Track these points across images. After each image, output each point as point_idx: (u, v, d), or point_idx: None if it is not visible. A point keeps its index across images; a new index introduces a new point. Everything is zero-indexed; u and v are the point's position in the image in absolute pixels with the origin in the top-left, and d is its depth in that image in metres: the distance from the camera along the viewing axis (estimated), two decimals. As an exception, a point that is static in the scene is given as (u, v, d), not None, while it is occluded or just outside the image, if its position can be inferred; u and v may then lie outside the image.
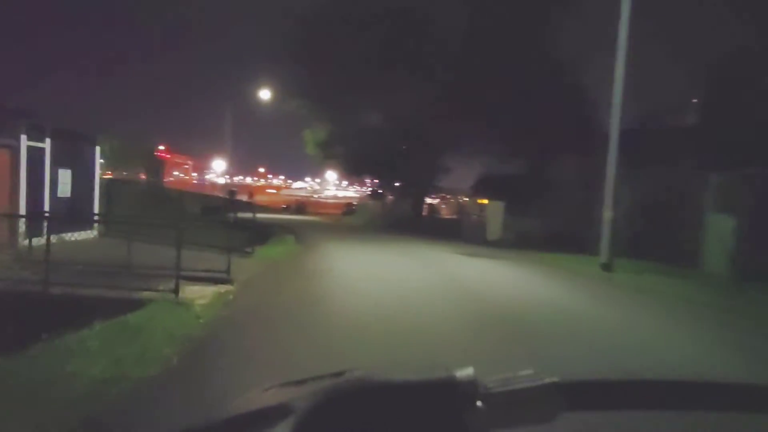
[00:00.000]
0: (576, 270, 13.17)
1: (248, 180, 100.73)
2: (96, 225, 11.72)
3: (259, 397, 0.71)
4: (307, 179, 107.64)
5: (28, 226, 9.14)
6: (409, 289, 9.02)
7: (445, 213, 37.18)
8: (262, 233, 19.65)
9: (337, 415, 0.60)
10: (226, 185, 39.09)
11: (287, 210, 47.07)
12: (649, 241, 16.21)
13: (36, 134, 9.99)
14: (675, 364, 5.28)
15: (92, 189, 11.59)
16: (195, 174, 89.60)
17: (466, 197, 40.51)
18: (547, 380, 0.64)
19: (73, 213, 10.97)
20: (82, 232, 10.98)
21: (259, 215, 34.14)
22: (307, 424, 0.58)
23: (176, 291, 7.06)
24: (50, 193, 10.41)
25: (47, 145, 10.33)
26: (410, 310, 7.34)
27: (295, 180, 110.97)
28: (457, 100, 26.73)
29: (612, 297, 9.92)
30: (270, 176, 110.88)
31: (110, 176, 29.95)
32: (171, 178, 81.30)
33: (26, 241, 9.25)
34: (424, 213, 34.12)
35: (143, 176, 26.54)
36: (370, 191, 40.83)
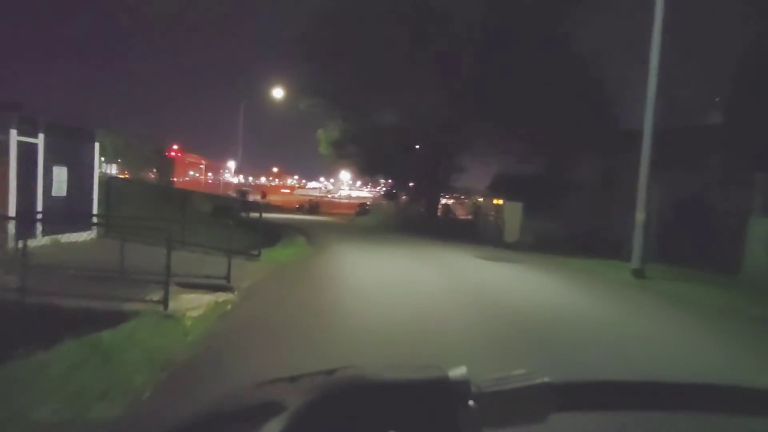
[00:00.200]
0: (605, 276, 12.16)
1: (262, 180, 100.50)
2: (95, 226, 10.99)
3: (251, 393, 0.70)
4: (321, 179, 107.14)
5: (18, 228, 8.40)
6: (428, 300, 8.13)
7: (461, 213, 36.16)
8: (273, 234, 18.90)
9: (329, 412, 0.59)
10: (237, 185, 38.47)
11: (300, 210, 46.34)
12: (680, 246, 15.14)
13: (28, 129, 9.28)
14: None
15: (91, 188, 10.87)
16: (210, 174, 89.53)
17: (480, 197, 39.48)
18: (540, 380, 0.63)
19: (69, 213, 10.25)
20: (80, 233, 10.26)
21: (272, 215, 33.59)
22: (300, 422, 0.57)
23: (165, 302, 6.24)
24: (44, 192, 9.69)
25: (40, 140, 9.61)
26: (432, 325, 6.45)
27: (309, 180, 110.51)
28: (474, 99, 25.85)
29: (648, 307, 8.92)
30: (285, 176, 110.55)
31: (125, 176, 29.59)
32: (186, 178, 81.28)
33: (17, 244, 8.50)
34: (439, 213, 33.17)
35: (151, 175, 25.99)
36: (384, 191, 39.97)
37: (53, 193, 9.90)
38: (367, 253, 14.58)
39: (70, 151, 10.36)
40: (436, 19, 25.50)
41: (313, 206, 47.91)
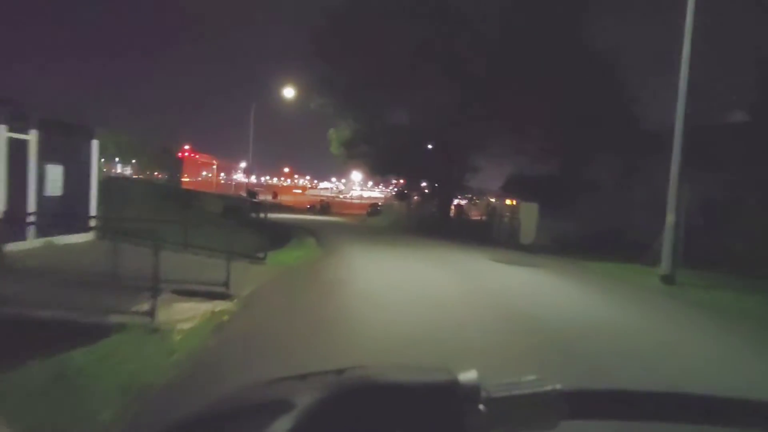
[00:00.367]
0: (631, 282, 11.32)
1: (274, 180, 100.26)
2: (92, 227, 10.40)
3: (260, 390, 0.70)
4: (333, 180, 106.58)
5: (5, 228, 7.80)
6: (444, 309, 7.38)
7: (474, 214, 35.32)
8: (282, 235, 18.26)
9: (338, 412, 0.59)
10: (248, 185, 37.98)
11: (311, 210, 45.77)
12: (707, 248, 14.24)
13: (19, 124, 8.69)
14: None
15: (88, 187, 10.26)
16: (223, 174, 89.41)
17: (493, 198, 38.60)
18: (551, 387, 0.62)
19: (64, 213, 9.65)
20: (76, 235, 9.65)
21: (283, 215, 33.05)
22: (308, 420, 0.57)
23: (152, 313, 5.56)
24: (37, 192, 9.09)
25: (32, 136, 9.01)
26: (450, 338, 5.71)
27: (320, 180, 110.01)
28: (489, 98, 25.06)
29: (682, 318, 8.08)
30: (297, 176, 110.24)
31: (124, 175, 29.19)
32: (199, 179, 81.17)
33: (5, 246, 7.91)
34: (452, 214, 32.35)
35: (158, 175, 25.49)
36: (396, 191, 39.22)
37: (47, 193, 9.30)
38: (378, 255, 13.86)
39: (66, 148, 9.75)
40: (450, 16, 24.70)
41: (325, 206, 47.31)
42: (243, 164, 54.28)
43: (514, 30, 23.80)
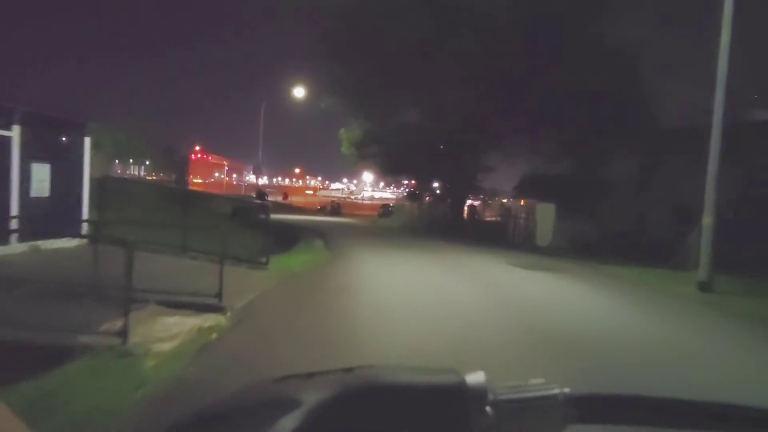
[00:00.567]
0: (664, 290, 10.31)
1: (286, 181, 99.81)
2: (84, 230, 9.64)
3: (268, 388, 0.69)
4: (344, 180, 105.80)
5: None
6: (462, 322, 6.48)
7: (488, 215, 34.31)
8: (290, 237, 17.47)
9: (344, 412, 0.59)
10: (259, 186, 37.31)
11: (322, 211, 45.00)
12: (739, 250, 13.16)
13: (0, 119, 7.95)
14: None
15: (80, 188, 9.49)
16: (235, 175, 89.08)
17: (505, 199, 37.56)
18: (558, 390, 0.62)
19: (52, 216, 8.90)
20: (65, 240, 8.88)
21: (293, 217, 32.29)
22: (315, 419, 0.56)
23: (124, 333, 4.71)
24: (21, 192, 8.34)
25: (15, 132, 8.25)
26: (471, 358, 4.82)
27: (332, 181, 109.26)
28: (502, 95, 24.09)
29: (729, 333, 7.09)
30: (308, 177, 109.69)
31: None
32: (211, 180, 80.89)
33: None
34: (465, 215, 31.37)
35: (162, 176, 24.81)
36: (407, 192, 38.30)
37: (32, 194, 8.54)
38: (389, 260, 12.96)
39: (55, 146, 8.99)
40: (463, 12, 23.74)
41: (335, 207, 46.50)
42: (255, 165, 53.63)
43: (529, 25, 22.79)
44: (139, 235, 10.29)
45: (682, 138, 21.45)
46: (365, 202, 73.83)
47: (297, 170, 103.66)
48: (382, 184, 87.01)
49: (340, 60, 27.24)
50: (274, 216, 27.56)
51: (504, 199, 37.63)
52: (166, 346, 4.90)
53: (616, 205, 22.09)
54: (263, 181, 61.15)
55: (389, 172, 34.20)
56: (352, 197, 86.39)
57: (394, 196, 62.59)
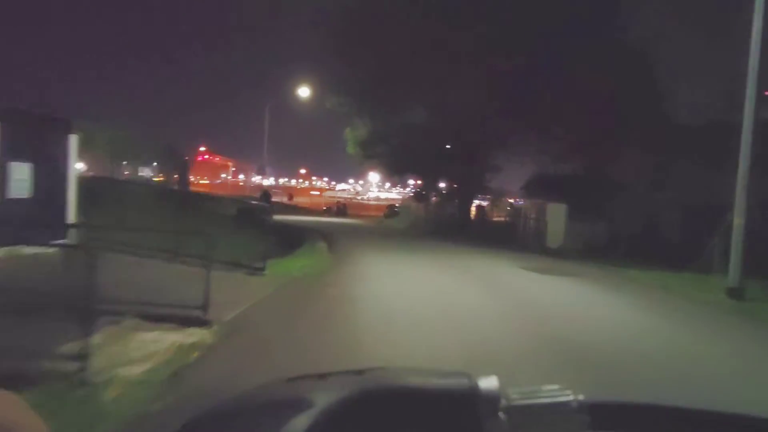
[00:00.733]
0: (691, 297, 9.51)
1: (292, 182, 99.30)
2: (70, 234, 8.99)
3: (280, 388, 0.69)
4: (350, 181, 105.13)
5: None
6: (477, 337, 5.75)
7: (497, 215, 33.47)
8: (293, 239, 16.79)
9: (355, 414, 0.58)
10: (264, 187, 36.70)
11: (328, 212, 44.29)
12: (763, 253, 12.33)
13: (-26, 115, 7.32)
14: None
15: (64, 189, 8.85)
16: (242, 176, 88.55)
17: (511, 199, 36.70)
18: (572, 397, 0.60)
19: (33, 218, 8.25)
20: (48, 244, 8.20)
21: (298, 218, 31.57)
22: (326, 420, 0.56)
23: (84, 357, 3.99)
24: (-3, 193, 7.71)
25: (-9, 129, 7.61)
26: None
27: (338, 182, 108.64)
28: (510, 94, 23.33)
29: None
30: (314, 178, 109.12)
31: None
32: (218, 181, 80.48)
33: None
34: (472, 216, 30.58)
35: (165, 177, 24.12)
36: (413, 192, 37.54)
37: (10, 195, 7.89)
38: (395, 263, 12.22)
39: (36, 144, 8.35)
40: (470, 10, 22.97)
41: (341, 208, 45.78)
42: (261, 165, 52.85)
43: (539, 21, 22.00)
44: (131, 239, 9.67)
45: (696, 136, 20.64)
46: (371, 202, 73.09)
47: (302, 171, 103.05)
48: (388, 184, 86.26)
49: (345, 58, 26.59)
50: (278, 217, 26.95)
51: (510, 199, 36.80)
52: (136, 370, 4.20)
53: (628, 206, 21.30)
54: (269, 182, 60.50)
55: (395, 172, 33.50)
56: (358, 198, 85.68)
57: (401, 197, 61.85)
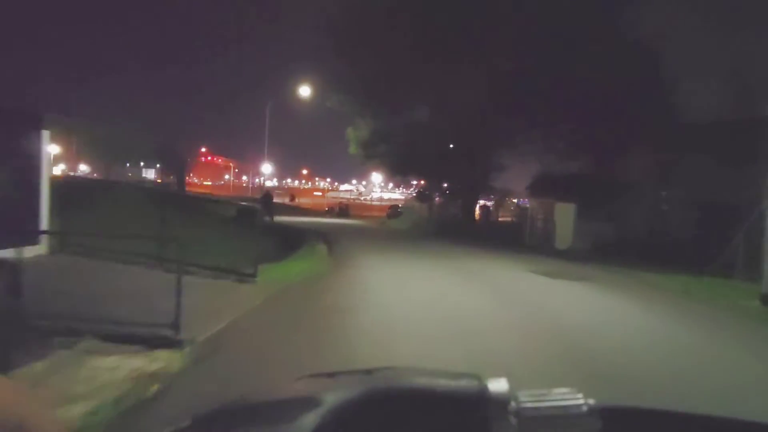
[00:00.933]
0: (722, 304, 8.62)
1: (296, 183, 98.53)
2: (43, 240, 8.18)
3: (290, 386, 0.69)
4: (353, 182, 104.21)
5: None
6: (490, 356, 4.91)
7: (503, 215, 32.59)
8: (292, 241, 15.97)
9: (363, 414, 0.58)
10: (263, 187, 35.89)
11: (330, 213, 43.42)
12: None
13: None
14: None
15: (36, 190, 8.02)
16: (245, 177, 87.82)
17: (515, 198, 35.81)
18: (582, 401, 0.60)
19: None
20: (17, 249, 7.37)
21: (299, 219, 30.73)
22: (335, 419, 0.55)
23: None
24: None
25: (-53, 124, 6.80)
26: None
27: (341, 183, 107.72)
28: (515, 91, 22.50)
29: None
30: (317, 178, 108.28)
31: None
32: (221, 182, 79.83)
33: None
34: (477, 216, 29.70)
35: (158, 178, 23.35)
36: (416, 192, 36.65)
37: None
38: (398, 269, 11.36)
39: (2, 141, 7.53)
40: (474, 6, 22.11)
41: (343, 209, 44.92)
42: (264, 167, 52.03)
43: (543, 15, 21.13)
44: (114, 245, 8.85)
45: (706, 133, 19.79)
46: (374, 203, 72.20)
47: (304, 171, 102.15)
48: (391, 185, 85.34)
49: (347, 56, 25.83)
50: (279, 218, 26.15)
51: (514, 198, 35.91)
52: (75, 411, 3.36)
53: (637, 205, 20.45)
54: (272, 183, 59.73)
55: (398, 172, 32.67)
56: (361, 198, 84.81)
57: (404, 197, 61.01)
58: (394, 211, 41.35)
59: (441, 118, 26.32)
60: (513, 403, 0.58)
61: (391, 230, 28.62)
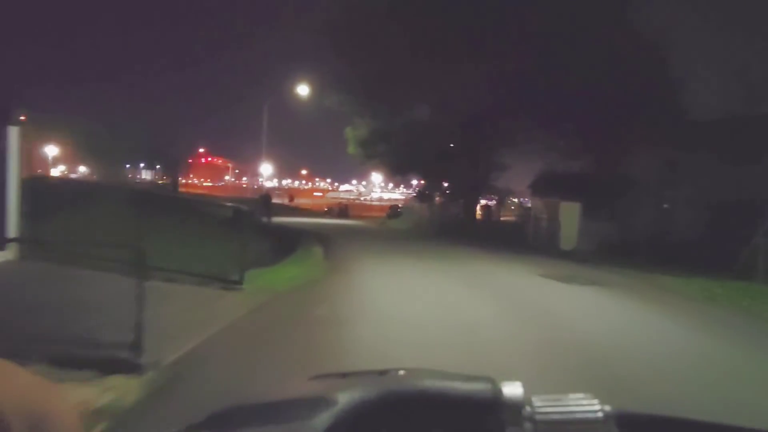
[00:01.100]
0: (751, 311, 7.86)
1: (296, 183, 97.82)
2: (10, 245, 7.43)
3: (302, 386, 0.69)
4: (353, 182, 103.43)
5: None
6: (511, 378, 4.17)
7: (506, 214, 31.85)
8: (288, 244, 15.23)
9: (376, 415, 0.57)
10: (262, 188, 35.16)
11: (329, 213, 42.64)
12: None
13: None
14: None
15: (2, 190, 7.31)
16: (245, 178, 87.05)
17: (516, 198, 35.14)
18: (599, 407, 0.58)
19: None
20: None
21: (298, 219, 30.00)
22: (347, 420, 0.55)
23: None
24: None
25: None
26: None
27: (341, 183, 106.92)
28: (517, 91, 21.80)
29: None
30: (317, 179, 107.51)
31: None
32: (221, 183, 79.13)
33: None
34: (478, 216, 28.96)
35: (157, 179, 22.61)
36: (416, 192, 35.90)
37: None
38: (397, 272, 10.60)
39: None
40: (474, 5, 21.39)
41: (342, 209, 44.15)
42: (263, 167, 51.27)
43: (545, 13, 20.41)
44: (92, 251, 8.11)
45: (712, 130, 19.16)
46: (374, 203, 71.44)
47: (304, 171, 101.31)
48: (391, 185, 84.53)
49: (345, 54, 25.15)
50: (278, 219, 25.37)
51: (515, 198, 35.22)
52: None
53: (642, 204, 19.78)
54: (272, 183, 58.98)
55: (397, 171, 31.97)
56: (361, 198, 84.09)
57: (404, 197, 60.26)
58: (393, 211, 40.58)
59: (441, 116, 25.64)
60: (527, 408, 0.57)
61: (391, 231, 27.88)
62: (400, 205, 44.94)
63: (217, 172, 79.91)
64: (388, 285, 8.90)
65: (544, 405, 0.57)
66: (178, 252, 8.85)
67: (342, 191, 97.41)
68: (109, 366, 4.06)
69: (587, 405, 0.57)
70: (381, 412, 0.57)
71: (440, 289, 8.70)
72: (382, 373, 0.64)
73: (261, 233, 16.73)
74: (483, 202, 30.78)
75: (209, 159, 78.08)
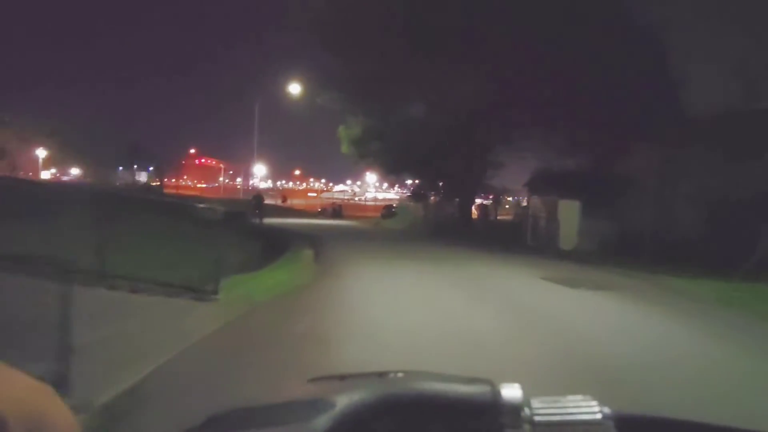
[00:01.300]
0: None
1: (290, 184, 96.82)
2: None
3: (302, 388, 0.68)
4: (348, 182, 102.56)
5: None
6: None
7: (502, 214, 31.13)
8: (278, 245, 14.40)
9: (375, 418, 0.57)
10: (254, 189, 34.27)
11: (323, 214, 41.74)
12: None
13: None
14: None
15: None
16: (239, 179, 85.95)
17: (510, 197, 34.45)
18: (598, 409, 0.57)
19: None
20: None
21: (290, 220, 29.11)
22: (346, 422, 0.55)
23: None
24: None
25: None
26: None
27: (335, 183, 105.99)
28: (513, 88, 21.08)
29: None
30: (311, 179, 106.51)
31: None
32: (215, 184, 78.06)
33: None
34: (474, 215, 28.20)
35: (151, 180, 21.75)
36: (411, 192, 35.09)
37: None
38: (391, 277, 9.75)
39: None
40: (469, 2, 20.61)
41: (336, 210, 43.27)
42: (256, 168, 50.48)
43: (542, 6, 19.67)
44: (59, 255, 7.24)
45: (712, 127, 18.53)
46: (368, 203, 70.57)
47: (297, 172, 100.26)
48: (385, 185, 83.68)
49: (334, 51, 24.38)
50: (270, 220, 24.49)
51: (509, 197, 34.51)
52: None
53: (641, 203, 19.10)
54: (266, 184, 58.08)
55: (392, 170, 31.19)
56: (356, 199, 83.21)
57: (398, 197, 59.45)
58: (387, 211, 39.75)
59: (436, 115, 24.90)
60: (526, 410, 0.56)
61: (386, 231, 27.05)
62: (394, 205, 44.12)
63: (210, 174, 78.88)
64: (382, 292, 8.05)
65: (543, 407, 0.56)
66: (150, 259, 7.99)
67: (336, 191, 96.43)
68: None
69: (586, 407, 0.56)
70: (380, 414, 0.56)
71: (439, 295, 7.87)
72: (381, 375, 0.63)
73: (251, 235, 15.91)
74: (479, 201, 30.04)
75: (202, 160, 77.09)
